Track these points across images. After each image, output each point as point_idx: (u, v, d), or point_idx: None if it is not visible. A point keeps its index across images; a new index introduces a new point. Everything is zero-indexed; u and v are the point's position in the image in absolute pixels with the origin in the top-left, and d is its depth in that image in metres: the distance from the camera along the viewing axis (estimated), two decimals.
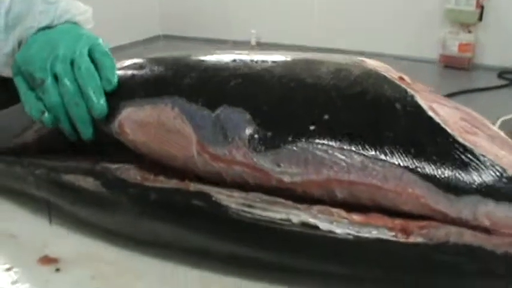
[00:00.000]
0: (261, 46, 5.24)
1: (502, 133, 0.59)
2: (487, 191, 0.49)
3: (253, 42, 5.23)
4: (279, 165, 0.55)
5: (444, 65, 4.53)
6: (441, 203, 0.50)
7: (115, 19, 4.86)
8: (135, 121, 0.65)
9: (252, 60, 0.64)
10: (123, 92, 0.66)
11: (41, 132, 0.74)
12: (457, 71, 4.45)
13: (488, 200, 0.49)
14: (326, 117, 0.55)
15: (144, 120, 0.64)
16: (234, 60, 0.65)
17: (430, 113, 0.54)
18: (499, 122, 2.80)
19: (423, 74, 4.41)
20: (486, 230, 0.49)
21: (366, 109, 0.55)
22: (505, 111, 2.99)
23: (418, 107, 0.54)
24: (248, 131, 0.56)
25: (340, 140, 0.53)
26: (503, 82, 4.08)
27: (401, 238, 0.51)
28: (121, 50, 4.88)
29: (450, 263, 0.50)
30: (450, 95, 3.85)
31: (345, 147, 0.53)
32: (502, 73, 4.18)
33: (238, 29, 5.28)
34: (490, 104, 3.45)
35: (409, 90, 0.57)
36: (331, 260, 0.54)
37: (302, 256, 0.56)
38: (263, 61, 0.64)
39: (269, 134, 0.56)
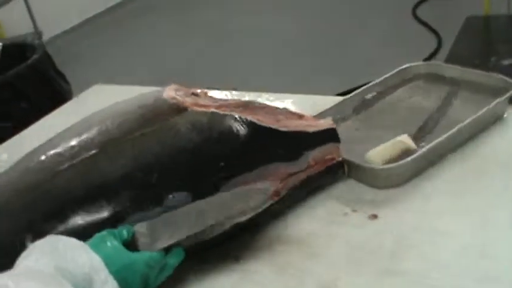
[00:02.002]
0: None
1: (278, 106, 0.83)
2: (311, 146, 0.77)
3: None
4: None
5: None
6: (293, 168, 0.76)
7: None
8: None
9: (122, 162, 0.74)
10: None
11: None
12: None
13: (313, 150, 0.77)
14: (224, 166, 0.73)
15: None
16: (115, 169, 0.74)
17: (259, 123, 0.77)
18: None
19: None
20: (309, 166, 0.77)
21: (234, 146, 0.75)
22: (467, 10, 3.13)
23: (251, 123, 0.77)
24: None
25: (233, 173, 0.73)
26: None
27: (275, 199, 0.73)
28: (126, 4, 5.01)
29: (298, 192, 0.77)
30: (422, 1, 3.91)
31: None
32: None
33: None
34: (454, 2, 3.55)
35: (238, 115, 0.77)
36: None
37: None
38: (131, 155, 0.75)
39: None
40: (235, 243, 0.72)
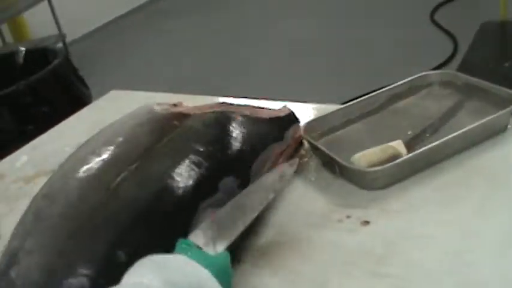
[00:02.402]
0: None
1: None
2: (287, 127, 0.91)
3: None
4: None
5: None
6: (282, 147, 0.89)
7: None
8: None
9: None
10: None
11: None
12: None
13: (289, 130, 0.91)
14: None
15: None
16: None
17: (252, 115, 0.89)
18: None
19: None
20: (290, 144, 0.91)
21: (247, 134, 0.85)
22: (485, 15, 3.13)
23: (247, 116, 0.88)
24: None
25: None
26: None
27: None
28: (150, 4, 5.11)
29: None
30: (440, 5, 3.92)
31: None
32: None
33: None
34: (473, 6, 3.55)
35: (225, 112, 0.88)
36: None
37: None
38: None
39: None
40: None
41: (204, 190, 0.75)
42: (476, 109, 0.94)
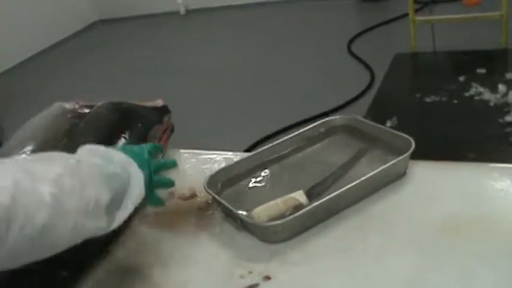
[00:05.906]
0: (191, 13, 5.45)
1: None
2: (164, 113, 1.14)
3: (182, 11, 5.41)
4: None
5: None
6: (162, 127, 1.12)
7: (49, 15, 5.08)
8: None
9: None
10: None
11: None
12: (375, 3, 4.65)
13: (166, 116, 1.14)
14: None
15: None
16: None
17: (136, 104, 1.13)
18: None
19: (343, 11, 4.63)
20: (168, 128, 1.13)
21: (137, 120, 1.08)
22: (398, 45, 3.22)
23: (136, 105, 1.13)
24: None
25: None
26: (418, 6, 4.26)
27: None
28: (62, 44, 5.10)
29: None
30: (370, 29, 4.09)
31: None
32: None
33: (166, 1, 5.46)
34: (406, 31, 3.67)
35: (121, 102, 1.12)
36: None
37: None
38: None
39: None
40: None
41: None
42: (377, 156, 0.96)
